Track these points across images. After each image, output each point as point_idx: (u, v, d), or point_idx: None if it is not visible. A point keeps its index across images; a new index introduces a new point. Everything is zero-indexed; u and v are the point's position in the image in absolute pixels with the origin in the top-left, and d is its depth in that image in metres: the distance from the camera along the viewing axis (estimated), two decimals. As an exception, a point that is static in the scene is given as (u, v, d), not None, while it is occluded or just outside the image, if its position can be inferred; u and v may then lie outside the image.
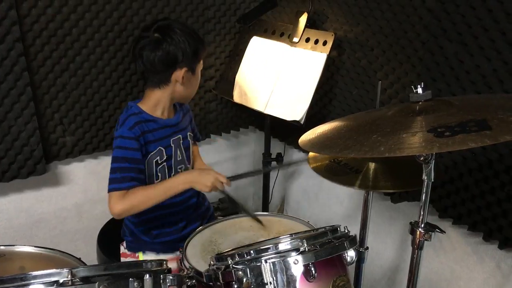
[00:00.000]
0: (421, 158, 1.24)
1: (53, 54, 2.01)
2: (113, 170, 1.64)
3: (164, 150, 1.75)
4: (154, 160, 1.73)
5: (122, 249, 1.88)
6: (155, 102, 1.73)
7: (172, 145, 1.78)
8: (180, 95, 1.76)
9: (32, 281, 1.03)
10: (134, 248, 1.84)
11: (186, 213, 1.86)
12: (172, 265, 1.79)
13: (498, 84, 1.60)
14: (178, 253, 1.83)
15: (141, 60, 1.67)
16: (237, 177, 1.79)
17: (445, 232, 1.36)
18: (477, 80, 1.65)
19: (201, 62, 1.76)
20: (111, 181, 1.62)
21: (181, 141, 1.82)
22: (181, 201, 1.83)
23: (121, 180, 1.61)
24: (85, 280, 1.05)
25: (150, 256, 1.81)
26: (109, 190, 1.63)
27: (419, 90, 1.27)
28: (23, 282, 1.03)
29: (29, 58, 1.95)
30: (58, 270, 1.04)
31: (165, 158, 1.75)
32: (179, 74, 1.68)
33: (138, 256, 1.82)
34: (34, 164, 2.06)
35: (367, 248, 1.86)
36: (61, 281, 1.03)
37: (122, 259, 1.86)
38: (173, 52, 1.64)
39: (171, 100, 1.76)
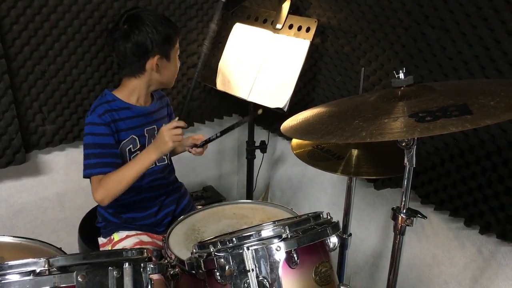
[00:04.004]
0: (403, 144, 1.24)
1: (31, 41, 1.96)
2: (86, 156, 1.66)
3: (137, 138, 1.75)
4: (127, 148, 1.73)
5: (100, 240, 1.87)
6: (131, 90, 1.76)
7: (146, 134, 1.79)
8: (158, 81, 1.78)
9: (8, 271, 1.01)
10: (107, 232, 1.83)
11: (158, 199, 1.86)
12: (145, 238, 1.81)
13: (480, 70, 1.60)
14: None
15: (114, 52, 1.72)
16: (208, 140, 1.79)
17: (426, 218, 1.38)
18: (459, 66, 1.65)
19: (177, 47, 1.77)
20: (86, 166, 1.66)
21: (155, 132, 1.80)
22: (152, 187, 1.83)
23: (95, 165, 1.64)
24: (63, 269, 1.03)
25: (124, 234, 1.81)
26: (85, 176, 1.67)
27: (401, 75, 1.28)
28: (-1, 272, 1.01)
29: (6, 45, 1.90)
30: (35, 260, 1.02)
31: (138, 147, 1.76)
32: (152, 62, 1.70)
33: (113, 238, 1.81)
34: (13, 154, 2.02)
35: (351, 234, 1.87)
36: (38, 270, 1.01)
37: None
38: (142, 42, 1.66)
39: (147, 88, 1.78)
